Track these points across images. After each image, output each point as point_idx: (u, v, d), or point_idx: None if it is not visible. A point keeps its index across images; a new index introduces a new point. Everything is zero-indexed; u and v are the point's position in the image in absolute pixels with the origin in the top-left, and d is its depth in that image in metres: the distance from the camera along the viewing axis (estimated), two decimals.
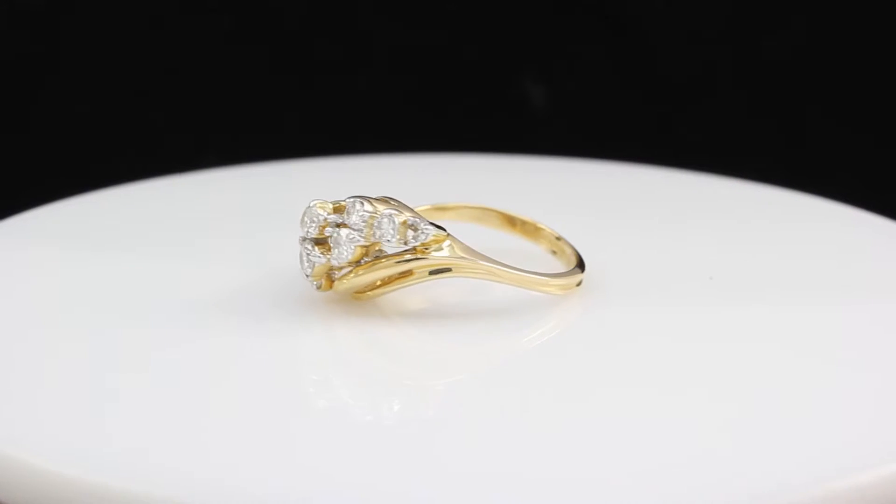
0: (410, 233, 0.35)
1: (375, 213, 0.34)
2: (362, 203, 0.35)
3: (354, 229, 0.34)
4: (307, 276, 0.35)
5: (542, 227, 0.39)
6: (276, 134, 0.64)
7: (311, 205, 0.35)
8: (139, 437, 0.30)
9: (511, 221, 0.39)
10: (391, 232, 0.34)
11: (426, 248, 0.35)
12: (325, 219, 0.35)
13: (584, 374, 0.33)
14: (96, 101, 0.63)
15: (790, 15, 0.63)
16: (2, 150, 0.64)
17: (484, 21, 0.64)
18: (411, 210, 0.35)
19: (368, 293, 0.35)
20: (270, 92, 0.64)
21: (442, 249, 0.35)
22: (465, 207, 0.40)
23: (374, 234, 0.34)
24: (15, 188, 0.63)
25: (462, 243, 0.35)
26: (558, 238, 0.38)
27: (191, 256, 0.39)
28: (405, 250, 0.35)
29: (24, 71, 0.63)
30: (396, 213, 0.34)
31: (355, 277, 0.35)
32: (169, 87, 0.64)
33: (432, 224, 0.35)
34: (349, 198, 0.35)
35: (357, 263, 0.35)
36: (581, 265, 0.37)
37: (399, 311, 0.36)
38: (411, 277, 0.35)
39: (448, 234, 0.35)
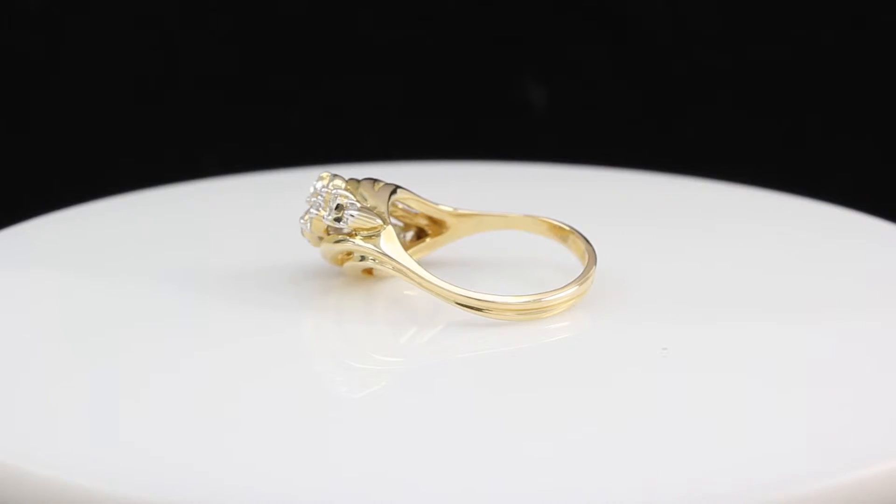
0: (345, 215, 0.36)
1: (329, 190, 0.36)
2: (333, 179, 0.36)
3: (317, 203, 0.36)
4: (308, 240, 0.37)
5: (566, 228, 0.39)
6: (272, 142, 0.64)
7: (321, 175, 0.36)
8: (154, 441, 0.30)
9: (543, 224, 0.39)
10: (327, 211, 0.35)
11: (365, 235, 0.35)
12: (315, 189, 0.36)
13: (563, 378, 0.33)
14: (96, 105, 0.63)
15: (790, 17, 0.63)
16: (1, 153, 0.64)
17: (483, 22, 0.64)
18: (380, 199, 0.36)
19: (347, 266, 0.37)
20: (269, 99, 0.64)
21: (378, 239, 0.35)
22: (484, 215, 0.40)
23: (325, 211, 0.36)
24: (11, 193, 0.63)
25: (397, 243, 0.35)
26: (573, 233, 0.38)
27: (191, 264, 0.39)
28: (341, 231, 0.36)
29: (22, 73, 0.63)
30: (343, 195, 0.35)
31: (322, 246, 0.36)
32: (168, 93, 0.63)
33: (369, 213, 0.35)
34: (332, 173, 0.36)
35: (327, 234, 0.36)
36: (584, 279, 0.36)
37: (390, 309, 0.36)
38: (360, 261, 0.36)
39: (382, 226, 0.35)
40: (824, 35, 0.63)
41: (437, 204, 0.38)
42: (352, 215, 0.35)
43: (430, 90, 0.64)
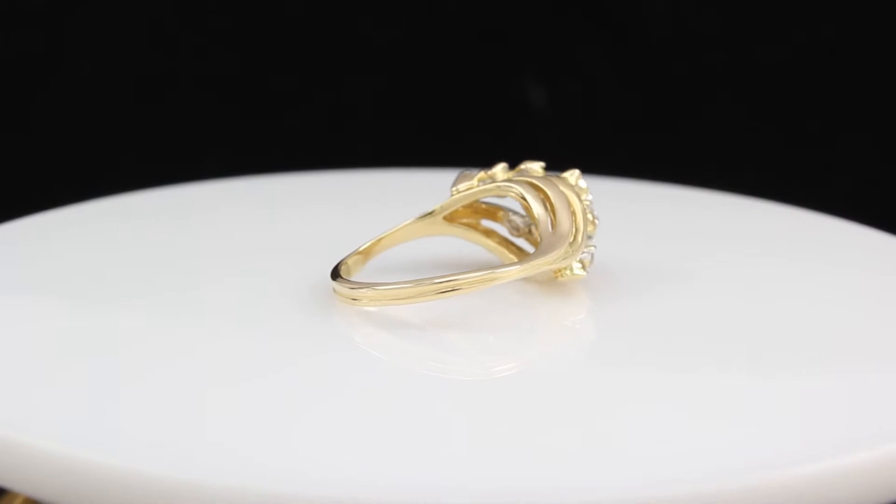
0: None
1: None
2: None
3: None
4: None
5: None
6: (272, 143, 0.64)
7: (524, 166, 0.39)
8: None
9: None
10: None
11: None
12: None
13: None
14: (96, 105, 0.63)
15: (791, 19, 0.63)
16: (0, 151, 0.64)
17: (483, 23, 0.64)
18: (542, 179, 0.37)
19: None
20: (269, 100, 0.64)
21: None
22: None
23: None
24: (10, 193, 0.63)
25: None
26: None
27: (190, 263, 0.40)
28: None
29: (22, 73, 0.63)
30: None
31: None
32: (168, 93, 0.64)
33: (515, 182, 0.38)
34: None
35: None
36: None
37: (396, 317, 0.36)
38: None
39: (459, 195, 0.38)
40: (824, 35, 0.63)
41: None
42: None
43: (430, 91, 0.64)
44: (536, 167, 0.38)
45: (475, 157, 0.54)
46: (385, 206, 0.45)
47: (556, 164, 0.52)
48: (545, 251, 0.36)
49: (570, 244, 0.36)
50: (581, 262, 0.37)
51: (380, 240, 0.38)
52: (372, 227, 0.40)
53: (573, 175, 0.38)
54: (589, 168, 0.51)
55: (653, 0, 0.63)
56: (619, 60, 0.64)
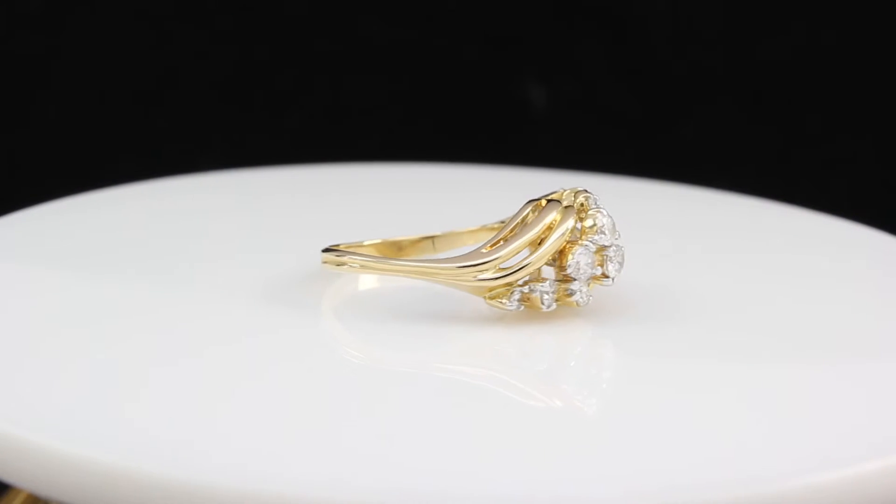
0: None
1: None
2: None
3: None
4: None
5: None
6: (272, 143, 0.64)
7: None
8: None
9: None
10: None
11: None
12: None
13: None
14: (95, 102, 0.63)
15: (791, 19, 0.63)
16: (1, 149, 0.64)
17: (483, 22, 0.64)
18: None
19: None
20: (269, 99, 0.64)
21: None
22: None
23: None
24: (12, 188, 0.63)
25: None
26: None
27: (187, 258, 0.40)
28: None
29: (23, 71, 0.63)
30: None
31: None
32: (168, 90, 0.64)
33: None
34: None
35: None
36: None
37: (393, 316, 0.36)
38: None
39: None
40: (824, 35, 0.63)
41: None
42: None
43: (430, 90, 0.64)
44: (583, 199, 0.36)
45: (475, 156, 0.54)
46: (386, 199, 0.45)
47: (555, 164, 0.52)
48: (445, 260, 0.35)
49: (495, 271, 0.35)
50: (522, 294, 0.35)
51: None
52: (371, 220, 0.40)
53: (599, 218, 0.36)
54: (589, 167, 0.51)
55: (653, 0, 0.63)
56: (619, 60, 0.64)
